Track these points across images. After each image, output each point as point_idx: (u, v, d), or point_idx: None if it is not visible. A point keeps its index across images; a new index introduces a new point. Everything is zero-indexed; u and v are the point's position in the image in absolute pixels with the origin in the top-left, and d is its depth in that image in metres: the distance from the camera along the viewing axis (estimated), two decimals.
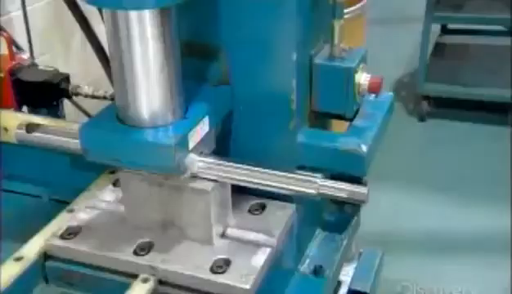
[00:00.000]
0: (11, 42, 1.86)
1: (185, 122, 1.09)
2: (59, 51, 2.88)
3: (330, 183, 1.06)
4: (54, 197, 1.44)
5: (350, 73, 1.21)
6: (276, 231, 1.17)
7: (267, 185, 1.10)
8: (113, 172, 1.35)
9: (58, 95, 1.77)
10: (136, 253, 1.13)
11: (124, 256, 1.12)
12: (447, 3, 4.07)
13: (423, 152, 3.60)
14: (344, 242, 1.37)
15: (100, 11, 1.58)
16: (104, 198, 1.28)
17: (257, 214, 1.24)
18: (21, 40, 2.28)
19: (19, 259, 1.14)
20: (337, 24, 1.22)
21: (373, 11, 3.62)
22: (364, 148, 1.19)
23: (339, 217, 1.11)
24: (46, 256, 1.17)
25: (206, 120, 1.12)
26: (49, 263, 1.17)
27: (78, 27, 2.24)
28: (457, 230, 2.89)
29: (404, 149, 3.42)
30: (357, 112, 1.29)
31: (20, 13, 2.43)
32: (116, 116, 1.10)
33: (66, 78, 1.77)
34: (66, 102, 1.86)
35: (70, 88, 1.76)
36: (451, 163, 3.36)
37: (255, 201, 1.26)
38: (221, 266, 1.09)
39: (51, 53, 2.80)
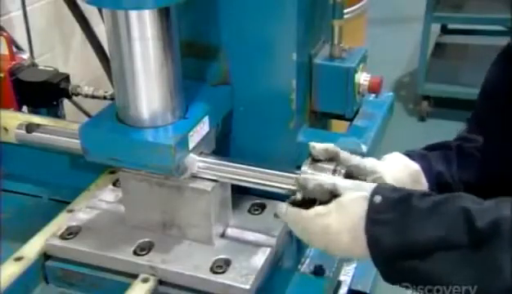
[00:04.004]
0: (11, 42, 1.86)
1: (185, 122, 1.09)
2: (59, 51, 2.88)
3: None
4: (54, 197, 1.44)
5: (350, 73, 1.21)
6: (276, 231, 1.17)
7: (267, 185, 1.10)
8: (113, 172, 1.35)
9: (58, 95, 1.77)
10: (136, 253, 1.13)
11: (124, 256, 1.12)
12: (447, 3, 4.07)
13: None
14: None
15: (100, 10, 1.58)
16: (104, 198, 1.28)
17: (257, 214, 1.24)
18: (21, 40, 2.28)
19: (19, 259, 1.14)
20: (337, 24, 1.22)
21: (373, 11, 3.62)
22: (364, 148, 1.19)
23: None
24: (46, 256, 1.17)
25: (206, 120, 1.12)
26: (49, 263, 1.17)
27: (78, 27, 2.24)
28: None
29: (404, 149, 3.43)
30: (357, 112, 1.29)
31: (20, 13, 2.43)
32: (116, 116, 1.10)
33: (66, 78, 1.77)
34: (66, 102, 1.86)
35: (70, 88, 1.76)
36: None
37: (255, 201, 1.26)
38: (221, 266, 1.09)
39: (51, 53, 2.80)
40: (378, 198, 0.91)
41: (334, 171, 1.02)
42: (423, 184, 1.11)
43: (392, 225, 0.89)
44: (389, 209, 0.90)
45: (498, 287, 0.84)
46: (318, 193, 0.98)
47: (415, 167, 1.11)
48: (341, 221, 0.94)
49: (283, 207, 1.02)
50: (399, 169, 1.09)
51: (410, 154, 1.14)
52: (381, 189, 0.93)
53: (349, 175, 1.05)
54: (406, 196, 0.91)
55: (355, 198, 0.93)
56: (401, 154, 1.13)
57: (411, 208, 0.89)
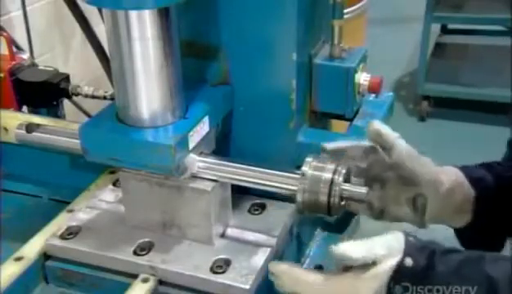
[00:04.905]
0: (11, 42, 1.86)
1: (185, 122, 1.09)
2: (59, 51, 2.88)
3: None
4: (54, 197, 1.44)
5: (350, 73, 1.21)
6: (276, 231, 1.17)
7: (267, 185, 1.10)
8: (113, 172, 1.35)
9: (58, 95, 1.77)
10: (136, 253, 1.13)
11: (124, 256, 1.12)
12: (447, 3, 4.07)
13: (423, 152, 3.60)
14: None
15: (100, 11, 1.58)
16: (104, 198, 1.28)
17: (257, 214, 1.24)
18: (21, 40, 2.28)
19: (19, 259, 1.14)
20: (337, 24, 1.22)
21: (373, 11, 3.62)
22: None
23: (339, 217, 1.11)
24: (46, 256, 1.17)
25: (206, 120, 1.12)
26: (49, 263, 1.17)
27: (78, 27, 2.24)
28: None
29: None
30: (357, 112, 1.29)
31: (20, 13, 2.43)
32: (116, 116, 1.10)
33: (66, 78, 1.77)
34: (66, 102, 1.86)
35: (70, 88, 1.76)
36: (451, 163, 3.36)
37: (255, 201, 1.26)
38: (221, 266, 1.09)
39: (51, 53, 2.80)
40: (409, 262, 0.91)
41: (335, 172, 1.02)
42: (466, 212, 1.08)
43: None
44: (416, 277, 0.91)
45: None
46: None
47: (471, 193, 1.05)
48: (370, 286, 0.94)
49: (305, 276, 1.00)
50: (452, 195, 1.04)
51: (469, 174, 1.07)
52: (411, 249, 0.93)
53: (348, 174, 1.04)
54: (431, 262, 0.91)
55: (389, 266, 0.93)
56: (460, 173, 1.07)
57: (435, 275, 0.90)
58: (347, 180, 1.03)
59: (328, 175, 1.02)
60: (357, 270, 0.95)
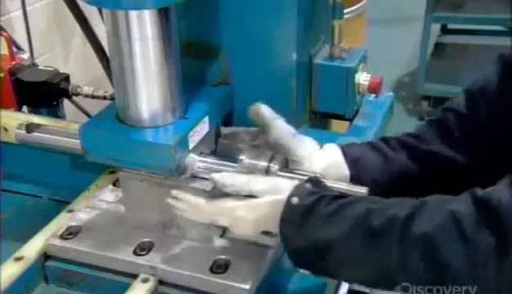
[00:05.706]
0: (11, 42, 1.86)
1: (185, 122, 1.09)
2: (59, 51, 2.88)
3: (330, 183, 1.06)
4: (54, 197, 1.44)
5: (350, 73, 1.22)
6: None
7: None
8: (113, 172, 1.35)
9: (58, 95, 1.77)
10: (136, 253, 1.13)
11: (124, 256, 1.12)
12: (447, 3, 4.07)
13: None
14: None
15: (100, 10, 1.58)
16: (104, 198, 1.28)
17: None
18: (21, 40, 2.28)
19: (19, 259, 1.14)
20: (337, 24, 1.22)
21: (373, 11, 3.61)
22: None
23: None
24: (46, 256, 1.17)
25: (206, 120, 1.12)
26: (49, 263, 1.17)
27: (78, 27, 2.24)
28: None
29: None
30: (356, 112, 1.29)
31: (20, 13, 2.43)
32: (116, 116, 1.10)
33: (66, 78, 1.78)
34: (66, 102, 1.86)
35: (70, 88, 1.76)
36: None
37: None
38: (221, 266, 1.09)
39: (51, 53, 2.80)
40: (295, 200, 0.95)
41: (271, 159, 1.05)
42: None
43: (298, 229, 0.95)
44: (300, 214, 0.95)
45: (388, 286, 0.88)
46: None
47: (345, 173, 1.09)
48: (246, 215, 1.00)
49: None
50: (328, 174, 1.08)
51: (347, 153, 1.10)
52: (299, 191, 0.97)
53: (286, 166, 1.07)
54: (315, 202, 0.94)
55: (265, 201, 0.98)
56: (339, 151, 1.10)
57: (317, 214, 0.93)
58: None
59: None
60: (238, 197, 1.00)
